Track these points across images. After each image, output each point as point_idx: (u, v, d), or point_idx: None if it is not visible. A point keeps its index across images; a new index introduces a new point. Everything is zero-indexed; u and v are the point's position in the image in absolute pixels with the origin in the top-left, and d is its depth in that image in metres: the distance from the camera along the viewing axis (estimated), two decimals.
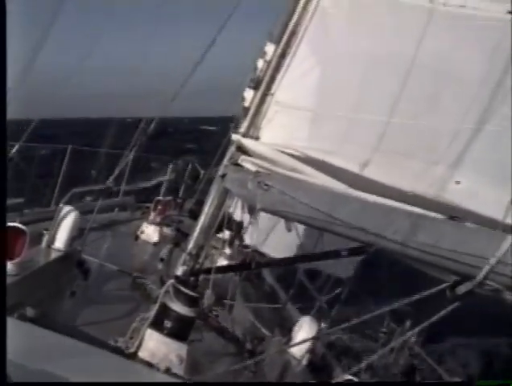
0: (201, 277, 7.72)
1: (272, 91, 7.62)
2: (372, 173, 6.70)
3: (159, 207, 14.88)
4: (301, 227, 10.17)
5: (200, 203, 8.22)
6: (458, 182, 6.08)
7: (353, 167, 6.82)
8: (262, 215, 8.05)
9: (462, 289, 4.82)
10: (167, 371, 6.51)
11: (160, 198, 16.10)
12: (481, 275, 4.54)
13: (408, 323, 8.30)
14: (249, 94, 7.76)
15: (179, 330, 6.97)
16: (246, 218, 9.03)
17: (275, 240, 10.17)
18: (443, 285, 5.03)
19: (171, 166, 18.75)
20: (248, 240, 11.23)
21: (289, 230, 7.41)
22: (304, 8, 7.48)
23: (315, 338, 8.98)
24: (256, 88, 7.71)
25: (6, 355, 3.94)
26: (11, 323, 5.38)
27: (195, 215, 8.17)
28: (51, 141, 17.06)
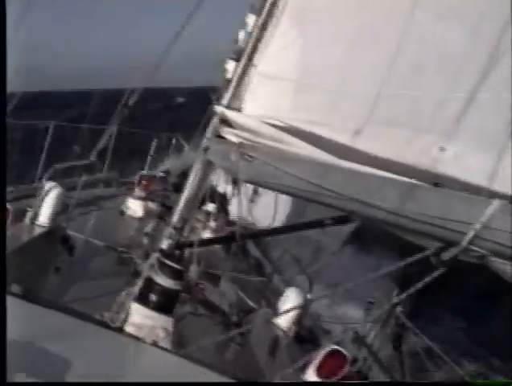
0: (186, 250, 7.72)
1: (254, 62, 7.57)
2: (357, 143, 6.67)
3: (144, 182, 14.87)
4: (286, 200, 10.20)
5: (184, 177, 8.18)
6: (443, 149, 6.05)
7: (338, 137, 6.78)
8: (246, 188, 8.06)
9: (447, 254, 4.82)
10: (154, 344, 6.50)
11: (144, 172, 16.10)
12: (465, 240, 4.53)
13: (395, 293, 8.31)
14: (231, 65, 7.72)
15: (165, 304, 6.96)
16: (230, 190, 9.02)
17: (259, 212, 10.17)
18: (428, 252, 5.02)
19: (155, 140, 18.75)
20: (232, 213, 11.26)
21: (252, 201, 7.39)
22: None
23: (300, 307, 8.99)
24: (238, 59, 7.67)
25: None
26: None
27: (178, 188, 8.14)
28: (37, 114, 16.88)
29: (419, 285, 5.11)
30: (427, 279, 5.00)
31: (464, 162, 5.85)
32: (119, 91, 12.90)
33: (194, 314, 8.55)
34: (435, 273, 4.94)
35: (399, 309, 8.67)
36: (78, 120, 17.01)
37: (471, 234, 4.48)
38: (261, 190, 8.02)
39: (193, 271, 8.12)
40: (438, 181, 5.43)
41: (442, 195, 5.02)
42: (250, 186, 7.53)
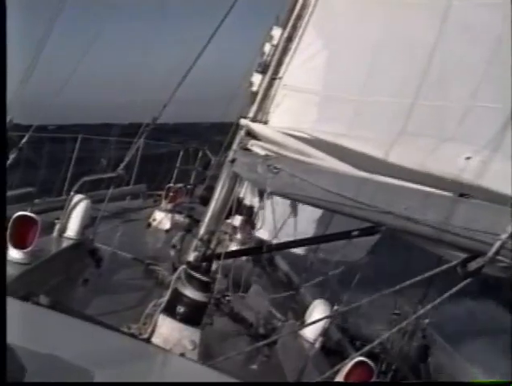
0: (213, 262, 7.75)
1: (280, 75, 7.61)
2: (382, 154, 6.68)
3: (171, 194, 14.95)
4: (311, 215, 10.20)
5: (211, 189, 8.22)
6: (468, 158, 6.05)
7: (363, 149, 6.80)
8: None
9: (473, 265, 4.82)
10: (181, 355, 6.53)
11: (171, 185, 16.16)
12: (492, 251, 4.52)
13: (421, 305, 8.29)
14: (256, 78, 7.77)
15: (192, 316, 7.00)
16: (257, 202, 9.06)
17: (286, 228, 10.18)
18: (454, 263, 5.02)
19: (181, 152, 18.82)
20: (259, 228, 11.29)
21: (294, 215, 7.42)
22: None
23: (327, 318, 8.98)
24: (263, 72, 7.72)
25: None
26: (27, 308, 5.45)
27: (205, 201, 8.18)
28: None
29: (445, 295, 5.12)
30: (453, 290, 5.01)
31: (490, 171, 5.84)
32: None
33: (221, 325, 8.56)
34: (462, 284, 4.94)
35: (425, 320, 8.64)
36: None
37: (497, 244, 4.47)
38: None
39: (220, 283, 8.15)
40: (464, 191, 5.43)
41: (468, 206, 5.02)
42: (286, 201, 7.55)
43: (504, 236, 4.44)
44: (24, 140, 10.37)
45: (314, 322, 8.90)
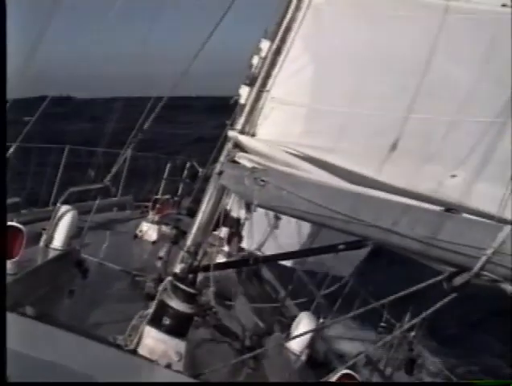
0: (200, 274, 7.74)
1: (267, 87, 7.62)
2: (367, 169, 6.70)
3: (158, 206, 14.93)
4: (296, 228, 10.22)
5: (198, 201, 8.23)
6: (454, 176, 6.08)
7: (348, 165, 6.83)
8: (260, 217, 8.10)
9: (459, 280, 4.84)
10: (167, 367, 6.52)
11: (158, 196, 16.15)
12: (477, 266, 4.54)
13: (407, 318, 8.30)
14: (244, 91, 7.78)
15: (178, 327, 6.98)
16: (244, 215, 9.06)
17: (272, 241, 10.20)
18: (440, 277, 5.04)
19: (169, 164, 18.81)
20: (246, 241, 11.28)
21: (276, 227, 7.43)
22: (298, 4, 7.49)
23: (312, 331, 8.99)
24: (251, 84, 7.73)
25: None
26: (13, 319, 5.44)
27: (193, 212, 8.18)
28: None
29: (431, 310, 5.13)
30: (439, 304, 5.02)
31: (474, 188, 5.88)
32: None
33: (207, 337, 8.55)
34: (448, 299, 4.96)
35: (411, 333, 8.66)
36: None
37: (483, 260, 4.49)
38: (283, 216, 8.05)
39: (207, 295, 8.13)
40: (449, 207, 5.45)
41: (454, 221, 5.04)
42: (271, 213, 7.55)
43: (489, 251, 4.46)
44: (11, 150, 10.32)
45: (299, 336, 8.90)
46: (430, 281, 5.18)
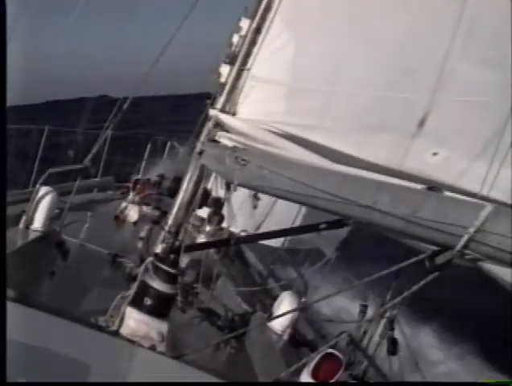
0: (181, 254, 7.72)
1: (248, 66, 7.58)
2: (348, 148, 6.68)
3: (138, 186, 14.89)
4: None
5: (179, 181, 8.19)
6: (435, 154, 6.07)
7: (330, 143, 6.80)
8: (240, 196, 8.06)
9: (441, 259, 4.83)
10: (150, 348, 6.50)
11: (139, 177, 16.11)
12: (460, 244, 4.51)
13: (388, 296, 8.31)
14: (225, 69, 7.73)
15: (160, 308, 6.96)
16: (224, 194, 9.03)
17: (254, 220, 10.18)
18: (422, 256, 5.03)
19: (149, 144, 18.77)
20: (226, 221, 11.28)
21: (255, 207, 7.41)
22: None
23: (294, 311, 8.99)
24: (231, 63, 7.68)
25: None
26: None
27: (173, 192, 8.15)
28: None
29: (413, 289, 5.13)
30: (421, 283, 5.01)
31: (456, 167, 5.88)
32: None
33: (189, 318, 8.54)
34: (430, 277, 4.94)
35: (393, 312, 8.66)
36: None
37: (465, 238, 4.47)
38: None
39: (188, 275, 8.12)
40: (431, 185, 5.43)
41: (436, 199, 5.01)
42: (250, 192, 7.51)
43: (472, 230, 4.44)
44: None
45: (281, 315, 8.91)
46: (412, 260, 5.17)
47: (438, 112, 6.27)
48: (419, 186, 5.40)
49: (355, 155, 6.53)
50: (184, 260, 7.90)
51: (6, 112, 5.47)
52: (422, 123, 6.28)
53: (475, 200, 4.92)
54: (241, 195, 8.01)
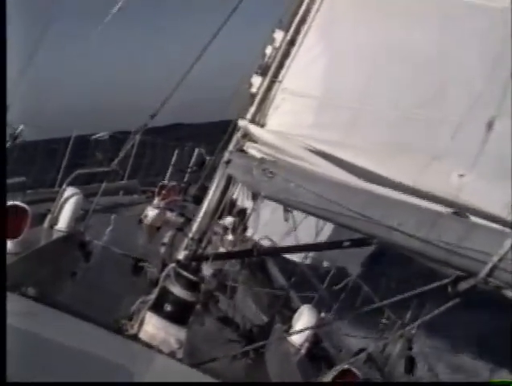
0: (205, 262, 7.73)
1: (279, 78, 7.59)
2: (375, 165, 6.66)
3: (164, 192, 14.92)
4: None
5: (205, 189, 8.20)
6: (462, 176, 6.04)
7: (357, 160, 6.79)
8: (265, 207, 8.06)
9: (464, 285, 4.79)
10: (167, 354, 6.51)
11: (165, 182, 16.14)
12: (483, 272, 4.48)
13: (408, 316, 8.28)
14: (256, 80, 7.75)
15: (179, 314, 6.98)
16: (250, 205, 9.03)
17: (277, 231, 10.16)
18: (445, 281, 5.00)
19: (176, 150, 18.82)
20: (250, 230, 11.25)
21: (286, 220, 7.39)
22: None
23: (313, 328, 8.96)
24: (264, 74, 7.69)
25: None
26: (14, 299, 5.43)
27: (199, 200, 8.16)
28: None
29: (434, 313, 5.10)
30: (442, 308, 4.99)
31: (482, 189, 5.83)
32: None
33: (208, 326, 8.54)
34: (450, 303, 4.92)
35: (412, 332, 8.62)
36: None
37: (489, 265, 4.43)
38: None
39: (209, 283, 8.12)
40: (457, 208, 5.40)
41: (461, 224, 4.98)
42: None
43: (496, 258, 4.40)
44: (19, 129, 10.32)
45: (300, 331, 8.88)
46: (434, 285, 5.14)
47: (465, 132, 6.24)
48: (444, 210, 5.37)
49: (381, 174, 6.51)
50: (209, 269, 7.89)
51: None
52: (448, 144, 6.25)
53: (500, 227, 4.89)
54: (272, 206, 8.00)
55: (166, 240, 10.73)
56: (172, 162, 18.68)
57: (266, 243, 10.34)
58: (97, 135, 13.98)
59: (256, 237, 10.33)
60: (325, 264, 12.32)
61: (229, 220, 11.28)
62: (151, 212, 13.87)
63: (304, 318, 9.13)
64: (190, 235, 7.68)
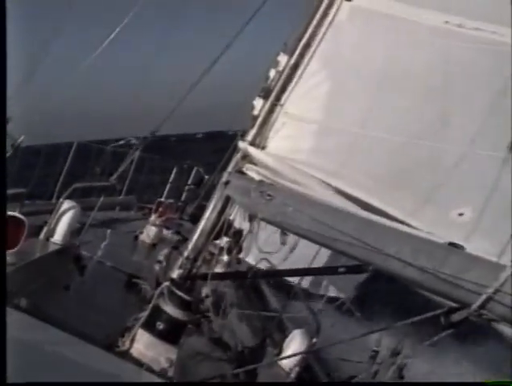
0: (197, 281, 7.72)
1: (281, 101, 7.61)
2: (372, 198, 6.65)
3: (161, 209, 14.92)
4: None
5: (202, 208, 8.20)
6: (461, 214, 6.03)
7: (352, 191, 6.78)
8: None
9: (457, 316, 4.80)
10: (158, 373, 6.49)
11: (162, 199, 16.15)
12: (477, 303, 4.50)
13: (400, 345, 8.26)
14: (258, 103, 7.77)
15: (171, 333, 6.97)
16: (246, 227, 9.02)
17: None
18: (438, 311, 5.00)
19: (175, 168, 18.83)
20: (245, 253, 11.25)
21: (283, 243, 7.40)
22: (320, 21, 7.49)
23: (304, 353, 8.93)
24: (266, 97, 7.72)
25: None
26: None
27: (195, 219, 8.16)
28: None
29: (426, 343, 5.10)
30: (435, 338, 4.98)
31: (480, 226, 5.82)
32: None
33: (199, 346, 8.51)
34: (443, 334, 4.91)
35: (403, 361, 8.59)
36: None
37: (483, 297, 4.44)
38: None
39: (205, 303, 8.12)
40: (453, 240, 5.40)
41: (457, 255, 4.99)
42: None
43: (490, 290, 4.41)
44: (20, 139, 10.33)
45: (290, 356, 8.84)
46: (427, 315, 5.14)
47: (467, 164, 6.24)
48: (441, 241, 5.37)
49: (377, 207, 6.50)
50: (204, 290, 7.90)
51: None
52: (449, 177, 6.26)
53: (495, 260, 4.89)
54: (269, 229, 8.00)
55: (161, 257, 10.72)
56: (170, 180, 18.71)
57: (263, 265, 10.32)
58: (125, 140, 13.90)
59: (251, 259, 10.32)
60: (322, 286, 12.31)
61: (224, 241, 11.28)
62: (148, 229, 13.87)
63: (296, 343, 9.10)
64: (185, 253, 7.67)
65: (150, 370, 6.49)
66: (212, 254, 9.79)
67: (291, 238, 7.80)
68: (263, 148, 7.58)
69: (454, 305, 4.90)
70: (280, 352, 9.12)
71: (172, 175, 18.81)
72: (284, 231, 7.17)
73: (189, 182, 18.83)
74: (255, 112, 7.79)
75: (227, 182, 7.44)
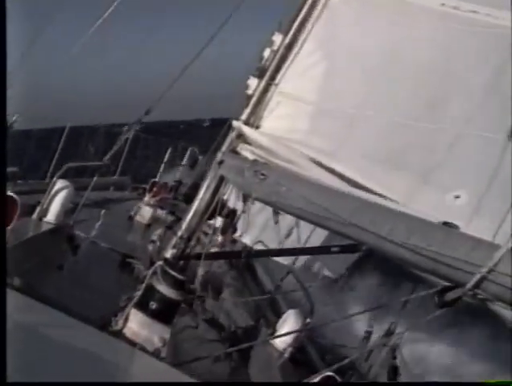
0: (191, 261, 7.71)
1: (276, 81, 7.58)
2: (366, 180, 6.63)
3: (155, 189, 14.92)
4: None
5: (196, 188, 8.18)
6: (457, 197, 6.00)
7: (348, 173, 6.76)
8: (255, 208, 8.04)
9: (451, 295, 4.78)
10: (150, 352, 6.48)
11: (156, 180, 16.14)
12: (471, 282, 4.48)
13: (393, 324, 8.25)
14: (253, 82, 7.73)
15: (164, 313, 6.96)
16: (240, 207, 9.01)
17: (267, 233, 10.14)
18: (432, 290, 4.98)
19: (170, 149, 18.81)
20: (240, 233, 11.24)
21: (276, 222, 7.38)
22: (314, 2, 7.45)
23: (297, 331, 8.94)
24: (260, 76, 7.68)
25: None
26: None
27: (189, 199, 8.14)
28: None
29: (420, 321, 5.09)
30: (428, 318, 4.97)
31: (474, 207, 5.80)
32: None
33: (192, 325, 8.51)
34: (436, 313, 4.90)
35: (396, 341, 8.60)
36: None
37: (477, 277, 4.43)
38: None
39: (195, 282, 8.10)
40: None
41: (451, 235, 4.97)
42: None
43: (485, 269, 4.39)
44: (15, 118, 10.29)
45: (284, 335, 8.85)
46: (420, 293, 5.13)
47: (462, 144, 6.21)
48: (435, 220, 5.34)
49: (372, 189, 6.47)
50: (200, 270, 7.89)
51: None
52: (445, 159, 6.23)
53: (490, 240, 4.87)
54: (264, 208, 7.98)
55: (155, 237, 10.71)
56: (165, 160, 18.68)
57: (258, 246, 10.33)
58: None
59: (245, 239, 10.31)
60: (316, 266, 12.29)
61: (218, 221, 11.27)
62: (142, 209, 13.87)
63: (289, 323, 9.10)
64: (179, 233, 7.66)
65: (144, 349, 6.47)
66: (206, 234, 9.78)
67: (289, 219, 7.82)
68: (257, 127, 7.55)
69: (448, 284, 4.88)
70: (274, 332, 9.13)
71: (167, 155, 18.78)
72: (277, 210, 7.16)
73: (184, 162, 18.84)
74: (249, 92, 7.76)
75: (221, 162, 7.41)
